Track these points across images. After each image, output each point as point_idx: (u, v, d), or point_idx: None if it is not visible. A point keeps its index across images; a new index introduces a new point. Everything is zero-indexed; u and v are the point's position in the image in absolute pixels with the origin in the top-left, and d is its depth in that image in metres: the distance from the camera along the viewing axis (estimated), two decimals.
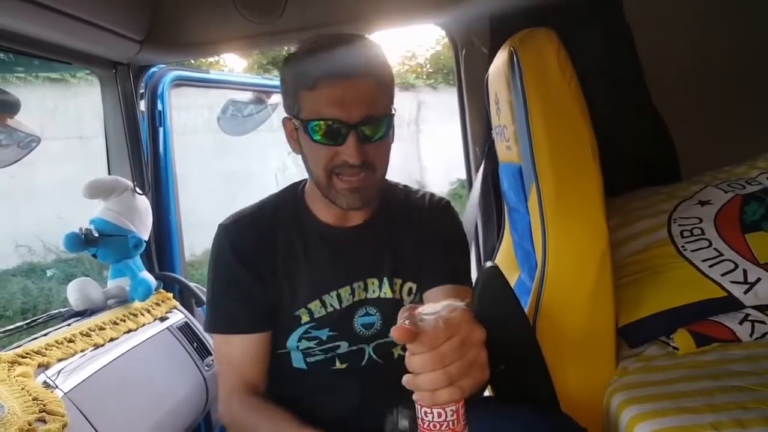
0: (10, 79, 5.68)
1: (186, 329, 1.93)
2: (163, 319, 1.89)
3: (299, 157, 1.19)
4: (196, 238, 3.58)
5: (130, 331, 1.71)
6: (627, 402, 1.27)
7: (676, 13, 2.05)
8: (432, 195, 1.34)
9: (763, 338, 1.43)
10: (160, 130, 2.19)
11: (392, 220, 1.27)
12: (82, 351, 1.50)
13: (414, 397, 0.68)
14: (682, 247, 1.61)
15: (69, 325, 1.62)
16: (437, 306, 0.71)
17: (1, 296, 5.56)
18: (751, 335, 1.43)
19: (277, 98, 2.42)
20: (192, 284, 2.18)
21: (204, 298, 2.08)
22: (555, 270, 1.43)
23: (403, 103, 9.86)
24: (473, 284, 1.28)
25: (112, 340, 1.62)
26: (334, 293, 1.20)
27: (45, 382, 1.32)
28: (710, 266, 1.55)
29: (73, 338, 1.51)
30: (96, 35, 1.59)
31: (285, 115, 1.18)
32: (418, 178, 9.61)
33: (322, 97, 1.07)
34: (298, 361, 1.23)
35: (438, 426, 0.67)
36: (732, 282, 1.50)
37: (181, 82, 2.28)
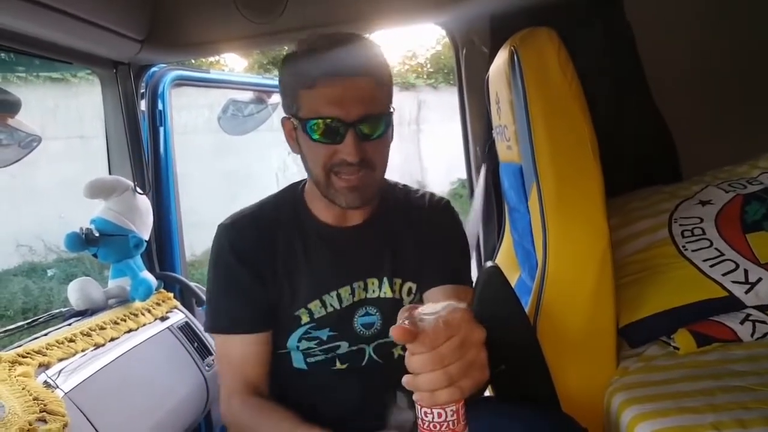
0: (11, 79, 5.69)
1: (186, 329, 1.93)
2: (163, 318, 1.89)
3: (300, 156, 1.19)
4: (197, 238, 3.58)
5: (130, 330, 1.71)
6: (628, 402, 1.26)
7: (676, 13, 2.04)
8: (432, 195, 1.34)
9: (764, 338, 1.43)
10: (161, 129, 2.19)
11: (392, 220, 1.27)
12: (82, 351, 1.50)
13: (414, 397, 0.68)
14: (683, 246, 1.61)
15: (70, 324, 1.62)
16: (437, 306, 0.71)
17: (2, 296, 5.56)
18: (752, 335, 1.43)
19: (277, 98, 2.42)
20: (192, 284, 2.18)
21: (204, 297, 2.09)
22: (556, 269, 1.43)
23: (403, 103, 9.87)
24: (474, 284, 1.28)
25: (112, 339, 1.62)
26: (334, 293, 1.20)
27: (46, 382, 1.32)
28: (711, 266, 1.54)
29: (73, 338, 1.51)
30: (97, 35, 1.59)
31: (284, 114, 1.19)
32: (419, 178, 9.62)
33: (320, 96, 1.07)
34: (298, 361, 1.23)
35: (438, 426, 0.67)
36: (733, 282, 1.50)
37: (181, 82, 2.28)
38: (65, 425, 1.19)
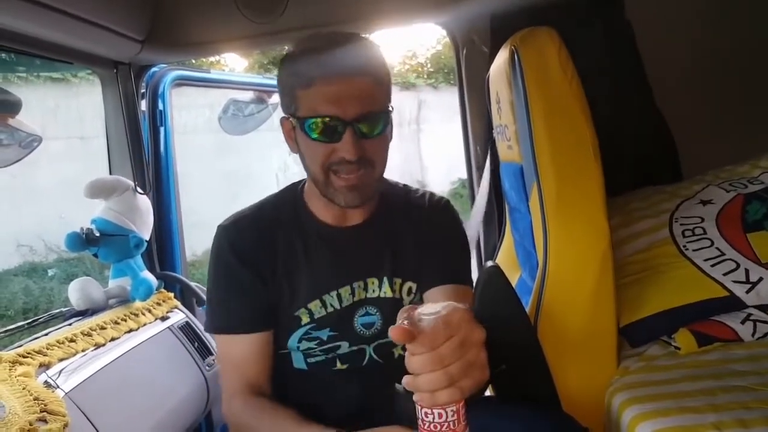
0: (12, 79, 5.69)
1: (187, 329, 1.93)
2: (164, 318, 1.89)
3: (299, 156, 1.19)
4: (197, 238, 3.58)
5: (131, 330, 1.71)
6: (629, 402, 1.26)
7: (677, 12, 2.04)
8: (432, 194, 1.34)
9: (765, 338, 1.43)
10: (161, 129, 2.20)
11: (392, 220, 1.27)
12: (83, 351, 1.50)
13: (414, 397, 0.68)
14: (684, 246, 1.61)
15: (70, 324, 1.62)
16: (437, 306, 0.71)
17: (3, 296, 5.57)
18: (753, 335, 1.43)
19: (278, 98, 2.41)
20: (193, 284, 2.18)
21: (205, 297, 2.09)
22: (556, 269, 1.43)
23: (404, 103, 9.88)
24: (474, 284, 1.28)
25: (113, 339, 1.62)
26: (334, 293, 1.20)
27: (46, 382, 1.32)
28: (712, 266, 1.54)
29: (74, 338, 1.51)
30: (97, 35, 1.59)
31: (283, 114, 1.19)
32: (419, 178, 9.62)
33: (318, 95, 1.07)
34: (298, 361, 1.23)
35: (439, 426, 0.67)
36: (734, 281, 1.50)
37: (182, 82, 2.28)
38: (66, 425, 1.19)
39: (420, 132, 10.35)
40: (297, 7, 1.75)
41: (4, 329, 1.67)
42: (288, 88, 1.13)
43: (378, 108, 1.10)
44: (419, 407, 0.68)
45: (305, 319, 1.20)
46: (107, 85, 1.99)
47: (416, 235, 1.26)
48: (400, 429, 0.94)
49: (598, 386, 1.39)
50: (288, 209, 1.25)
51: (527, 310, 1.46)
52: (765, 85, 2.01)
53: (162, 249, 2.22)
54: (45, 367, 1.37)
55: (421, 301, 1.25)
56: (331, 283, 1.21)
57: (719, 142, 1.92)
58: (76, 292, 1.73)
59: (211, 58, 6.73)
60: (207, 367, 1.88)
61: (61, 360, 1.43)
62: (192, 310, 2.16)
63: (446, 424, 0.67)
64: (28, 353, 1.37)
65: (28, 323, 1.72)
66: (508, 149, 1.70)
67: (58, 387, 1.33)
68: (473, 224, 2.00)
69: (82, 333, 1.55)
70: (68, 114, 6.33)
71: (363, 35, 1.17)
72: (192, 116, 6.09)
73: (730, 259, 1.54)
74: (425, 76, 11.49)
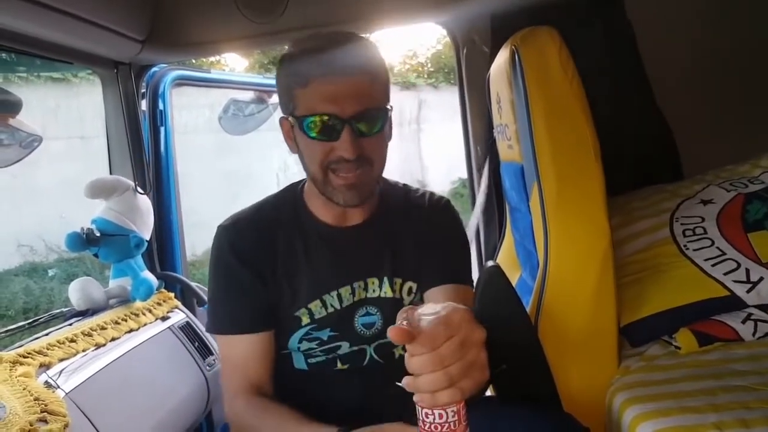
0: (12, 79, 5.69)
1: (187, 329, 1.93)
2: (164, 318, 1.89)
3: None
4: (198, 238, 3.58)
5: (131, 330, 1.71)
6: (629, 401, 1.26)
7: (677, 12, 2.04)
8: (432, 194, 1.34)
9: (766, 337, 1.43)
10: (162, 129, 2.20)
11: (392, 220, 1.26)
12: (83, 351, 1.50)
13: (414, 398, 0.68)
14: (685, 246, 1.61)
15: (71, 324, 1.62)
16: (437, 306, 0.71)
17: (3, 296, 5.57)
18: (753, 334, 1.43)
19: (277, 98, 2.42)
20: (193, 284, 2.18)
21: (205, 297, 2.08)
22: (557, 269, 1.43)
23: (404, 102, 9.87)
24: (475, 284, 1.28)
25: (113, 339, 1.62)
26: (334, 293, 1.20)
27: (46, 382, 1.32)
28: (713, 265, 1.54)
29: (74, 338, 1.51)
30: (97, 35, 1.59)
31: (282, 115, 1.19)
32: (420, 177, 9.62)
33: (315, 93, 1.07)
34: (299, 362, 1.23)
35: (439, 427, 0.67)
36: (734, 281, 1.50)
37: (182, 82, 2.28)
38: (66, 425, 1.19)
39: (420, 132, 10.35)
40: (297, 7, 1.75)
41: (5, 329, 1.67)
42: (286, 88, 1.13)
43: (376, 106, 1.10)
44: (420, 408, 0.68)
45: (305, 320, 1.20)
46: (107, 85, 1.99)
47: (416, 235, 1.26)
48: (402, 426, 0.94)
49: (598, 386, 1.39)
50: (288, 209, 1.25)
51: (528, 309, 1.46)
52: (765, 85, 2.01)
53: (162, 249, 2.21)
54: (45, 367, 1.37)
55: (421, 301, 1.25)
56: (331, 283, 1.21)
57: (719, 142, 1.92)
58: (76, 292, 1.73)
59: (212, 58, 6.73)
60: (207, 367, 1.88)
61: (61, 360, 1.42)
62: (192, 310, 2.16)
63: (447, 424, 0.67)
64: (29, 353, 1.37)
65: (28, 323, 1.72)
66: (509, 149, 1.70)
67: (58, 387, 1.33)
68: (473, 224, 2.00)
69: (82, 333, 1.55)
70: (69, 114, 6.33)
71: (361, 35, 1.17)
72: (192, 116, 6.09)
73: (731, 259, 1.54)
74: (425, 76, 11.48)
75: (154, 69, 2.14)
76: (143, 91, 2.11)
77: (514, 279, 1.79)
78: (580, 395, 1.38)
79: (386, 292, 1.23)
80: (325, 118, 1.07)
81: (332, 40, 1.10)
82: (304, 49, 1.11)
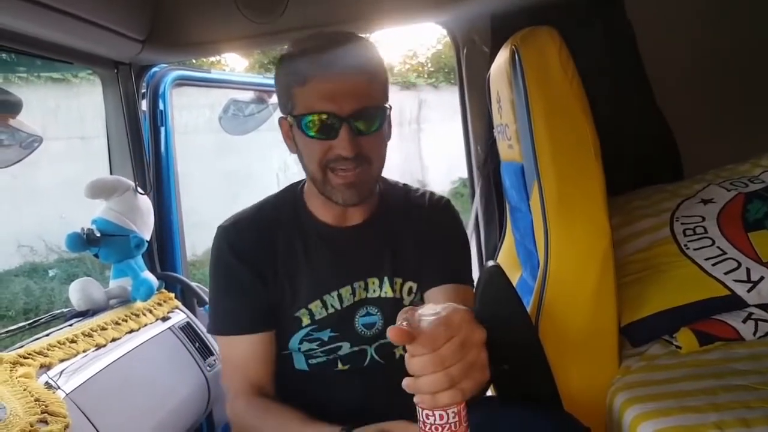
0: (13, 79, 5.69)
1: (188, 329, 1.93)
2: (164, 319, 1.89)
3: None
4: (198, 238, 3.58)
5: (132, 331, 1.71)
6: (630, 401, 1.26)
7: (677, 12, 2.04)
8: (432, 194, 1.34)
9: (767, 337, 1.42)
10: (162, 129, 2.20)
11: (392, 219, 1.26)
12: (84, 351, 1.50)
13: (415, 399, 0.68)
14: (685, 245, 1.61)
15: (71, 325, 1.62)
16: (437, 307, 0.70)
17: (4, 296, 5.57)
18: (754, 334, 1.43)
19: None
20: (194, 284, 2.18)
21: (206, 297, 2.08)
22: (557, 269, 1.43)
23: (404, 102, 9.87)
24: (475, 283, 1.28)
25: (114, 340, 1.62)
26: (335, 293, 1.20)
27: (47, 383, 1.32)
28: (713, 265, 1.54)
29: (75, 339, 1.51)
30: (98, 35, 1.59)
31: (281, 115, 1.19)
32: (420, 177, 9.62)
33: (313, 92, 1.07)
34: (299, 363, 1.23)
35: (440, 428, 0.67)
36: (735, 280, 1.50)
37: (182, 82, 2.28)
38: (66, 426, 1.19)
39: (420, 131, 10.35)
40: (297, 7, 1.75)
41: (5, 330, 1.67)
42: (284, 88, 1.13)
43: (374, 104, 1.10)
44: (420, 409, 0.68)
45: (306, 321, 1.20)
46: (108, 85, 1.99)
47: (416, 235, 1.26)
48: (405, 423, 0.94)
49: (599, 386, 1.39)
50: (288, 209, 1.25)
51: (528, 309, 1.46)
52: (765, 85, 2.01)
53: (163, 249, 2.21)
54: (46, 368, 1.37)
55: (421, 301, 1.25)
56: (331, 283, 1.20)
57: (719, 142, 1.92)
58: (76, 293, 1.73)
59: (212, 58, 6.73)
60: (208, 368, 1.88)
61: (61, 361, 1.42)
62: (193, 311, 2.16)
63: (447, 425, 0.67)
64: (29, 354, 1.37)
65: (29, 324, 1.72)
66: (509, 148, 1.70)
67: (59, 388, 1.33)
68: (473, 223, 2.00)
69: (83, 334, 1.55)
70: (69, 114, 6.33)
71: (361, 35, 1.17)
72: (192, 116, 6.09)
73: (731, 258, 1.54)
74: (426, 76, 11.47)
75: (155, 69, 2.14)
76: (143, 91, 2.11)
77: (514, 279, 1.79)
78: (580, 395, 1.38)
79: (386, 292, 1.23)
80: (324, 116, 1.07)
81: (331, 40, 1.10)
82: (303, 48, 1.11)
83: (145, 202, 1.96)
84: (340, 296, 1.20)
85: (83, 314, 1.75)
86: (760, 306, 1.48)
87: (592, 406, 1.37)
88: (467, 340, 0.68)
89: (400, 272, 1.24)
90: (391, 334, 0.66)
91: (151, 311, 1.86)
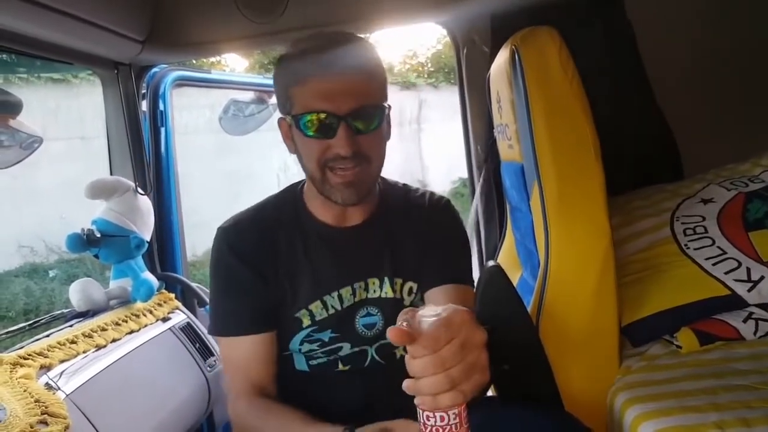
0: (13, 80, 5.70)
1: (188, 330, 1.93)
2: (165, 319, 1.89)
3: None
4: (198, 239, 3.57)
5: (132, 332, 1.71)
6: (631, 401, 1.26)
7: (677, 12, 2.04)
8: (432, 194, 1.33)
9: (767, 336, 1.42)
10: (162, 130, 2.20)
11: (392, 220, 1.26)
12: (84, 352, 1.50)
13: (416, 401, 0.68)
14: (685, 245, 1.61)
15: (71, 326, 1.62)
16: (437, 308, 0.70)
17: (4, 297, 5.57)
18: (755, 333, 1.43)
19: None
20: (194, 284, 2.18)
21: (206, 298, 2.08)
22: (558, 269, 1.43)
23: (404, 102, 9.87)
24: (476, 283, 1.28)
25: (114, 341, 1.62)
26: (335, 293, 1.20)
27: (47, 384, 1.32)
28: (713, 264, 1.54)
29: (75, 339, 1.51)
30: (97, 35, 1.59)
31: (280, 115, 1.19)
32: (420, 177, 9.62)
33: (311, 91, 1.07)
34: (300, 363, 1.23)
35: (441, 430, 0.67)
36: (735, 280, 1.50)
37: (182, 82, 2.28)
38: (67, 427, 1.19)
39: (420, 131, 10.35)
40: (297, 7, 1.75)
41: (6, 331, 1.67)
42: (283, 88, 1.14)
43: (372, 103, 1.10)
44: (421, 410, 0.67)
45: (306, 321, 1.19)
46: (108, 86, 1.99)
47: (416, 235, 1.25)
48: (407, 422, 0.94)
49: (600, 386, 1.39)
50: (288, 210, 1.25)
51: (529, 309, 1.46)
52: (765, 85, 2.01)
53: (163, 249, 2.21)
54: (46, 368, 1.37)
55: (422, 301, 1.25)
56: (331, 284, 1.20)
57: (719, 142, 1.92)
58: (77, 293, 1.73)
59: (212, 59, 6.72)
60: (208, 368, 1.88)
61: (62, 362, 1.42)
62: (193, 311, 2.16)
63: (448, 427, 0.67)
64: (29, 355, 1.37)
65: (29, 325, 1.72)
66: (509, 148, 1.70)
67: (59, 389, 1.33)
68: (473, 223, 2.00)
69: (83, 334, 1.55)
70: (69, 115, 6.33)
71: (360, 35, 1.17)
72: (193, 116, 6.09)
73: (732, 258, 1.54)
74: (426, 76, 11.47)
75: (155, 69, 2.14)
76: (143, 91, 2.11)
77: (515, 279, 1.79)
78: (581, 395, 1.38)
79: (387, 292, 1.23)
80: (322, 115, 1.07)
81: (329, 40, 1.10)
82: (301, 48, 1.12)
83: (146, 203, 1.96)
84: (340, 297, 1.20)
85: (83, 315, 1.75)
86: (760, 305, 1.48)
87: (593, 406, 1.37)
88: (468, 341, 0.68)
89: (400, 272, 1.24)
90: (391, 334, 0.66)
91: (151, 312, 1.86)
